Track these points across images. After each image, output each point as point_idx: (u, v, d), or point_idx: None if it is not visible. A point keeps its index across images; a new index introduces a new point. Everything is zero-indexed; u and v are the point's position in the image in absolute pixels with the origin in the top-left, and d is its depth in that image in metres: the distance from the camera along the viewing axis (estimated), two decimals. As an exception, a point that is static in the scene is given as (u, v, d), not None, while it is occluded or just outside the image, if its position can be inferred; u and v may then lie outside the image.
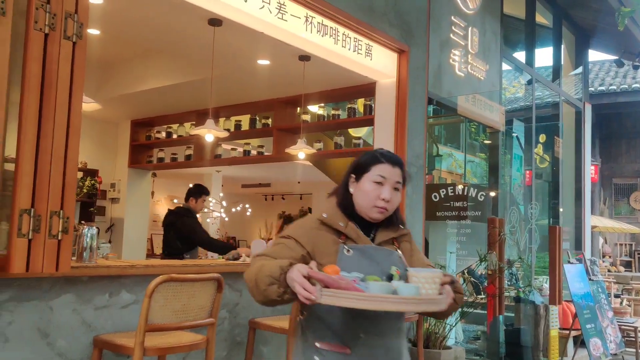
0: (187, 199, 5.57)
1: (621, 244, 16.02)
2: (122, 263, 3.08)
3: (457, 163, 9.28)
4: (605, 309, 6.84)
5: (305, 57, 4.76)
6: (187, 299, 2.56)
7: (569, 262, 6.53)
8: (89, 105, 4.04)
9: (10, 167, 2.37)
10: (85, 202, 7.46)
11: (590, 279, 6.96)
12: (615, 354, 6.66)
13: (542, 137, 9.69)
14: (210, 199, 8.97)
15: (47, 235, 2.38)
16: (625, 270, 15.17)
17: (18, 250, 2.30)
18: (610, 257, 15.69)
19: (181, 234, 5.35)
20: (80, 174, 7.47)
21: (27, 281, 2.51)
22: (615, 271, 14.85)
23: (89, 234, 2.78)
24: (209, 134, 4.38)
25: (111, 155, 7.93)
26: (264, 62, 5.01)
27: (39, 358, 2.56)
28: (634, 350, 7.83)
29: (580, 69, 9.22)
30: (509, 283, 7.13)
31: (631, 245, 15.79)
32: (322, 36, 4.31)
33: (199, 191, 5.57)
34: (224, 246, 5.37)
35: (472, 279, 7.66)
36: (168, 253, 5.35)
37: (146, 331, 2.38)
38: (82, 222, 6.42)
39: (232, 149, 7.11)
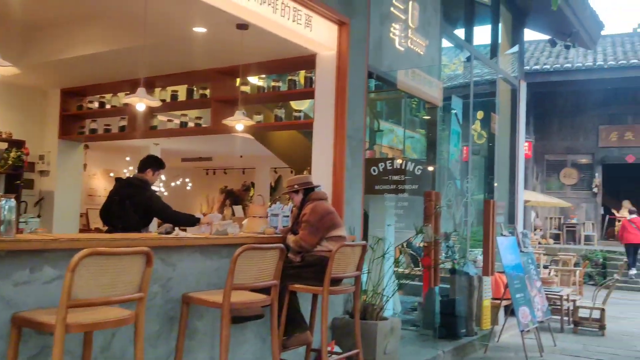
0: (142, 170, 5.15)
1: (551, 218, 16.78)
2: (45, 237, 2.93)
3: (398, 139, 9.37)
4: (534, 279, 7.13)
5: (243, 26, 4.63)
6: (115, 273, 2.46)
7: (502, 234, 6.75)
8: (5, 69, 3.76)
9: None
10: (10, 175, 7.08)
11: (521, 251, 7.24)
12: (542, 321, 6.98)
13: (480, 114, 9.89)
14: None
15: (-41, 207, 2.22)
16: (554, 243, 15.93)
17: None
18: (541, 230, 16.42)
19: (140, 206, 4.98)
20: (4, 145, 7.08)
21: (-63, 256, 2.35)
22: (545, 243, 15.56)
23: (6, 207, 2.62)
24: (140, 103, 4.21)
25: (39, 125, 7.54)
26: (199, 29, 4.85)
27: (-48, 337, 2.41)
28: (559, 317, 8.26)
29: (516, 48, 9.44)
30: (446, 255, 7.32)
31: (560, 218, 16.56)
32: (260, 4, 4.19)
33: (157, 163, 5.19)
34: (189, 219, 5.02)
35: (410, 251, 7.83)
36: (124, 227, 4.97)
37: (69, 307, 2.27)
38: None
39: (169, 120, 6.90)
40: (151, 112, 6.26)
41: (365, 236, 5.64)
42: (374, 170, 5.63)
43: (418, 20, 6.09)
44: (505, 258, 6.43)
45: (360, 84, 5.20)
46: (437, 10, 6.68)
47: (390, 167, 5.60)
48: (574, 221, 16.23)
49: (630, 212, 14.09)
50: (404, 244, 7.21)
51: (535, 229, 16.36)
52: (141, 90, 4.17)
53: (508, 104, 9.44)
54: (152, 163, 5.15)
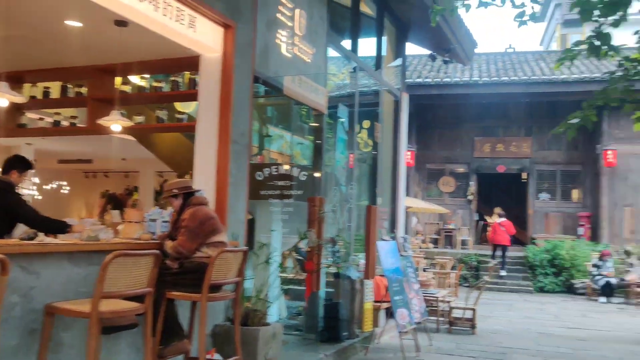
0: (6, 171, 4.68)
1: (431, 223, 17.68)
2: None
3: (287, 145, 9.44)
4: (412, 282, 7.46)
5: (121, 23, 4.44)
6: (-38, 283, 2.24)
7: (382, 239, 7.00)
8: None
9: None
10: None
11: (401, 255, 7.54)
12: (419, 322, 7.31)
13: (366, 123, 10.22)
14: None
15: None
16: (434, 247, 16.79)
17: None
18: (421, 234, 17.24)
19: (2, 211, 4.51)
20: None
21: None
22: (425, 247, 16.34)
23: None
24: (1, 98, 3.88)
25: None
26: (73, 23, 4.57)
27: None
28: (436, 318, 8.69)
29: (399, 61, 9.88)
30: (331, 260, 7.46)
31: (439, 224, 17.50)
32: (141, 1, 4.03)
33: (24, 164, 4.73)
34: (59, 225, 4.58)
35: (297, 256, 7.89)
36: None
37: None
38: None
39: (40, 119, 6.44)
40: (18, 109, 5.80)
41: (250, 242, 5.60)
42: (259, 176, 5.62)
43: (305, 28, 6.17)
44: (385, 262, 6.67)
45: (245, 88, 5.16)
46: (324, 20, 6.82)
47: (276, 173, 5.61)
48: (451, 226, 17.23)
49: (500, 216, 15.24)
50: (292, 249, 7.25)
51: (416, 234, 17.16)
52: (3, 84, 3.84)
53: (391, 114, 9.83)
54: (17, 164, 4.72)
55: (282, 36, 5.74)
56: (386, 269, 6.69)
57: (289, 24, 5.86)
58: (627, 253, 13.76)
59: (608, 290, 12.77)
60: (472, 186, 17.48)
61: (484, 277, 11.66)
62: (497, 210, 15.89)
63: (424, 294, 8.54)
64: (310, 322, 6.48)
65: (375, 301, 7.54)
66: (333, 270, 7.22)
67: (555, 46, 27.19)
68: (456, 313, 8.90)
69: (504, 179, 17.90)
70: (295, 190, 5.65)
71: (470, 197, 17.53)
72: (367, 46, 8.96)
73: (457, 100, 16.57)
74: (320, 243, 5.55)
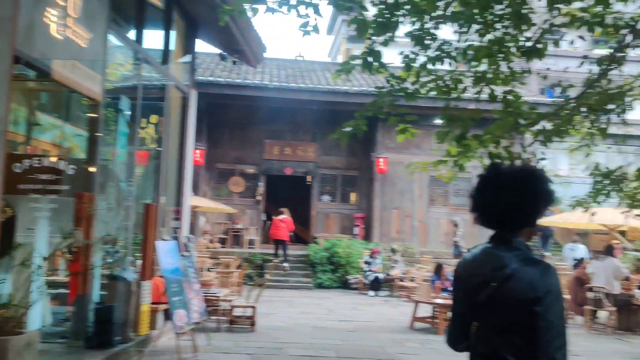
0: None
1: (219, 223, 17.71)
2: None
3: (63, 135, 8.64)
4: (192, 282, 7.36)
5: None
6: None
7: (162, 239, 6.78)
8: None
9: None
10: None
11: (182, 255, 7.39)
12: (199, 322, 7.24)
13: (154, 118, 9.84)
14: None
15: None
16: (221, 247, 16.83)
17: None
18: (209, 234, 17.16)
19: None
20: None
21: None
22: (212, 247, 16.30)
23: None
24: None
25: None
26: None
27: None
28: (217, 317, 8.70)
29: (189, 57, 9.70)
30: (107, 261, 7.00)
31: (227, 224, 17.61)
32: None
33: None
34: None
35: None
36: None
37: None
38: None
39: None
40: None
41: (5, 241, 4.97)
42: (18, 168, 5.02)
43: (80, 10, 5.69)
44: (164, 262, 6.47)
45: (3, 68, 4.58)
46: (105, 5, 6.39)
47: (39, 165, 5.07)
48: (239, 226, 17.45)
49: (279, 214, 15.90)
50: (61, 249, 6.61)
51: (204, 234, 17.04)
52: None
53: (179, 110, 9.61)
54: None
55: (52, 15, 5.21)
56: (165, 270, 6.50)
57: (61, 3, 5.35)
58: (393, 250, 15.35)
59: (376, 285, 14.09)
60: (261, 187, 17.93)
61: (265, 275, 12.00)
62: (284, 210, 16.56)
63: (206, 294, 8.50)
64: (77, 327, 6.00)
65: (154, 303, 7.28)
66: (108, 271, 6.79)
67: (340, 59, 29.31)
68: (237, 312, 9.02)
69: (291, 181, 18.71)
70: (61, 185, 5.17)
71: (258, 198, 17.95)
72: (154, 38, 8.63)
73: (249, 102, 16.86)
74: (88, 243, 5.15)
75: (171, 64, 8.87)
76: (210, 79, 15.98)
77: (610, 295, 10.17)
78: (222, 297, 8.77)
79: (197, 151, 16.09)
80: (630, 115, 7.47)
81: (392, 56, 8.22)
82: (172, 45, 8.84)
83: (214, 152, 17.47)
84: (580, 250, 14.92)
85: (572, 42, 6.67)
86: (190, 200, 14.01)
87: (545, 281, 1.89)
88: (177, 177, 9.52)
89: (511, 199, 2.00)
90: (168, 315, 7.07)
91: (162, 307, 7.21)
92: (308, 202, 18.36)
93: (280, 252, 15.68)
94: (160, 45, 8.63)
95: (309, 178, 18.31)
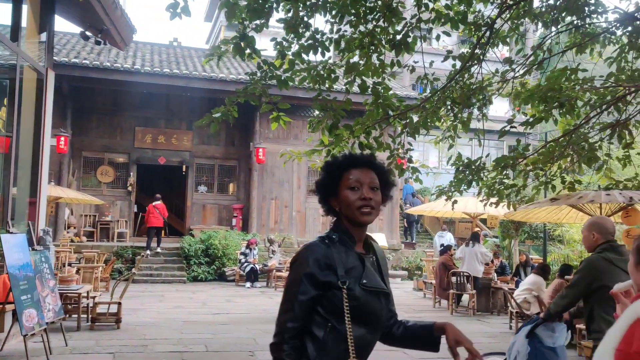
0: None
1: (86, 215, 16.59)
2: None
3: None
4: (47, 278, 6.75)
5: None
6: None
7: (8, 232, 6.12)
8: None
9: None
10: None
11: (34, 249, 6.75)
12: (54, 322, 6.66)
13: (5, 101, 8.92)
14: None
15: None
16: (88, 240, 15.80)
17: None
18: (75, 227, 16.04)
19: None
20: None
21: None
22: (78, 241, 15.27)
23: None
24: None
25: None
26: None
27: None
28: (77, 315, 8.08)
29: (44, 35, 8.87)
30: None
31: (95, 216, 16.54)
32: None
33: None
34: None
35: None
36: None
37: None
38: None
39: None
40: None
41: None
42: None
43: None
44: (10, 257, 5.85)
45: None
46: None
47: None
48: (108, 218, 16.46)
49: (156, 199, 15.32)
50: None
51: (69, 227, 15.88)
52: None
53: (34, 93, 8.76)
54: None
55: None
56: (11, 266, 5.87)
57: None
58: (270, 241, 15.29)
59: (252, 276, 13.96)
60: (132, 177, 17.04)
61: (132, 270, 11.40)
62: (159, 195, 16.00)
63: (65, 291, 7.87)
64: None
65: (0, 303, 6.58)
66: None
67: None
68: (102, 308, 8.45)
69: (165, 171, 17.99)
70: None
71: (129, 189, 17.05)
72: (2, 12, 7.79)
73: (118, 87, 15.90)
74: None
75: (24, 42, 8.05)
76: (75, 60, 14.84)
77: (472, 279, 10.84)
78: (84, 294, 8.15)
79: (62, 138, 14.94)
80: (490, 112, 7.96)
81: (266, 43, 8.08)
82: (24, 22, 8.02)
83: (80, 140, 16.31)
84: (447, 238, 15.81)
85: (438, 38, 6.92)
86: (49, 190, 12.98)
87: (298, 252, 1.95)
88: (32, 166, 8.68)
89: None
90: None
91: (11, 307, 6.53)
92: (183, 192, 17.77)
93: (153, 245, 15.08)
94: (8, 21, 7.79)
95: (184, 168, 17.69)
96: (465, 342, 1.89)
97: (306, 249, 1.92)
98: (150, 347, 6.99)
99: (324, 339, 1.85)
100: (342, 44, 6.95)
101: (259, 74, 6.75)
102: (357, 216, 1.91)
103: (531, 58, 7.58)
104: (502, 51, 12.81)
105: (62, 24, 41.72)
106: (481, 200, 7.82)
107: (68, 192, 13.87)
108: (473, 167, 7.53)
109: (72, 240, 14.84)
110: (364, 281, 1.87)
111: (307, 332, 1.88)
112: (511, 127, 7.45)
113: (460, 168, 7.64)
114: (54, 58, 14.26)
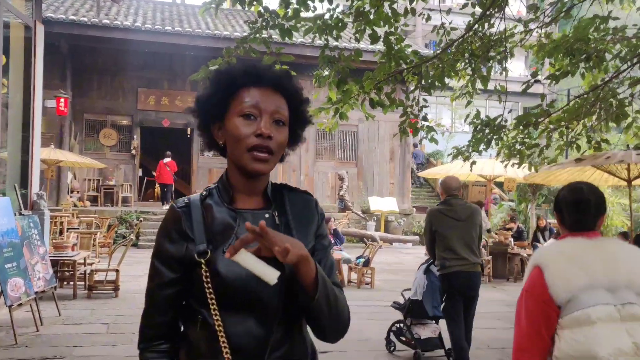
0: None
1: (90, 180, 16.21)
2: None
3: None
4: (36, 244, 6.34)
5: None
6: None
7: (-11, 195, 5.68)
8: None
9: None
10: None
11: (21, 214, 6.32)
12: (44, 291, 6.27)
13: (3, 59, 8.43)
14: None
15: None
16: (92, 205, 15.46)
17: None
18: (78, 192, 15.69)
19: None
20: None
21: None
22: (81, 206, 14.93)
23: None
24: None
25: None
26: None
27: None
28: (73, 283, 7.72)
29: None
30: None
31: (98, 180, 16.16)
32: None
33: None
34: None
35: None
36: None
37: None
38: None
39: None
40: None
41: None
42: None
43: None
44: (-9, 223, 5.41)
45: None
46: None
47: None
48: (112, 183, 16.07)
49: (166, 157, 15.36)
50: None
51: (72, 191, 15.53)
52: None
53: (22, 49, 8.23)
54: None
55: None
56: (-7, 232, 5.45)
57: None
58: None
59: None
60: (136, 140, 16.55)
61: (131, 236, 11.03)
62: (169, 153, 15.94)
63: (60, 257, 7.49)
64: None
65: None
66: None
67: (226, 4, 27.74)
68: (101, 276, 8.09)
69: (170, 134, 17.47)
70: None
71: (133, 152, 16.59)
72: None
73: (119, 46, 15.23)
74: None
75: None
76: (73, 17, 14.20)
77: (486, 246, 10.37)
78: (80, 261, 7.77)
79: (62, 100, 14.43)
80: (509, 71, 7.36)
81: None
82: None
83: (81, 101, 15.78)
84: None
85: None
86: (49, 154, 12.56)
87: None
88: (22, 127, 8.21)
89: None
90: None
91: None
92: (189, 156, 17.26)
93: (166, 198, 15.41)
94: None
95: (189, 130, 17.16)
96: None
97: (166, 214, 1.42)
98: (148, 317, 6.61)
99: (196, 339, 1.35)
100: (351, -9, 6.33)
101: (259, 23, 6.17)
102: (245, 161, 1.34)
103: (557, 5, 6.91)
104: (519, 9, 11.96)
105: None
106: (502, 161, 7.26)
107: (68, 155, 13.45)
108: (493, 125, 6.95)
109: (75, 205, 14.50)
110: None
111: (181, 333, 1.42)
112: (535, 81, 6.83)
113: (479, 127, 7.06)
114: (51, 15, 13.70)
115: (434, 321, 5.33)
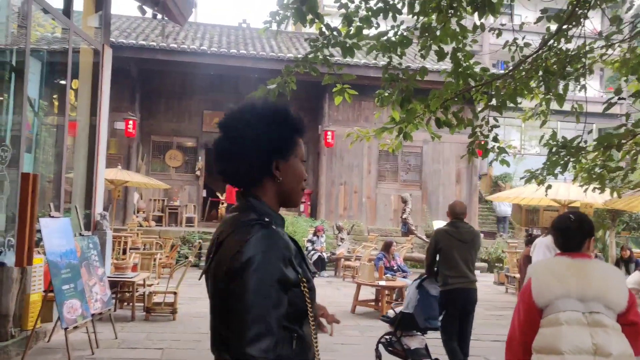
0: None
1: (155, 200, 16.51)
2: None
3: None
4: (95, 265, 6.32)
5: None
6: None
7: (49, 215, 5.69)
8: None
9: None
10: None
11: (80, 235, 6.32)
12: (101, 313, 6.23)
13: (75, 83, 8.69)
14: None
15: None
16: (157, 225, 15.69)
17: None
18: (144, 212, 15.98)
19: None
20: None
21: None
22: (147, 225, 15.17)
23: None
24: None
25: None
26: None
27: None
28: (132, 304, 7.68)
29: (101, 12, 8.50)
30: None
31: (164, 200, 16.42)
32: None
33: None
34: None
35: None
36: None
37: None
38: None
39: None
40: None
41: None
42: None
43: None
44: (49, 243, 5.40)
45: None
46: None
47: None
48: (176, 203, 16.30)
49: None
50: None
51: (138, 211, 15.85)
52: None
53: (90, 72, 8.42)
54: None
55: None
56: (51, 252, 5.42)
57: None
58: (339, 228, 14.55)
59: (320, 265, 13.28)
60: (201, 161, 16.77)
61: (189, 258, 10.98)
62: None
63: (120, 279, 7.47)
64: None
65: (49, 291, 6.21)
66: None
67: (290, 28, 28.04)
68: (159, 298, 8.04)
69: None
70: None
71: (198, 173, 16.81)
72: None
73: (186, 69, 15.58)
74: None
75: (74, 17, 7.67)
76: (143, 42, 14.63)
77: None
78: (139, 282, 7.73)
79: (130, 122, 14.85)
80: (577, 92, 6.82)
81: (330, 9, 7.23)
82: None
83: (148, 124, 16.19)
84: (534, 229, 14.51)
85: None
86: (116, 174, 12.83)
87: (248, 250, 1.37)
88: (88, 148, 8.36)
89: (222, 146, 1.56)
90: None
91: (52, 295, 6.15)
92: (251, 177, 17.29)
93: None
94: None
95: (252, 152, 17.26)
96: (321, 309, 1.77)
97: (261, 241, 1.40)
98: (203, 344, 6.42)
99: (289, 356, 1.43)
100: (417, 7, 6.03)
101: (320, 42, 5.98)
102: (298, 197, 1.63)
103: (642, 17, 6.35)
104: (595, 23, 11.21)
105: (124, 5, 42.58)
106: (581, 185, 6.69)
107: (134, 176, 13.72)
108: (571, 147, 6.41)
109: (140, 225, 14.75)
110: (309, 266, 1.56)
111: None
112: (619, 99, 6.27)
113: (555, 149, 6.54)
114: (122, 40, 14.16)
115: (420, 333, 5.58)
